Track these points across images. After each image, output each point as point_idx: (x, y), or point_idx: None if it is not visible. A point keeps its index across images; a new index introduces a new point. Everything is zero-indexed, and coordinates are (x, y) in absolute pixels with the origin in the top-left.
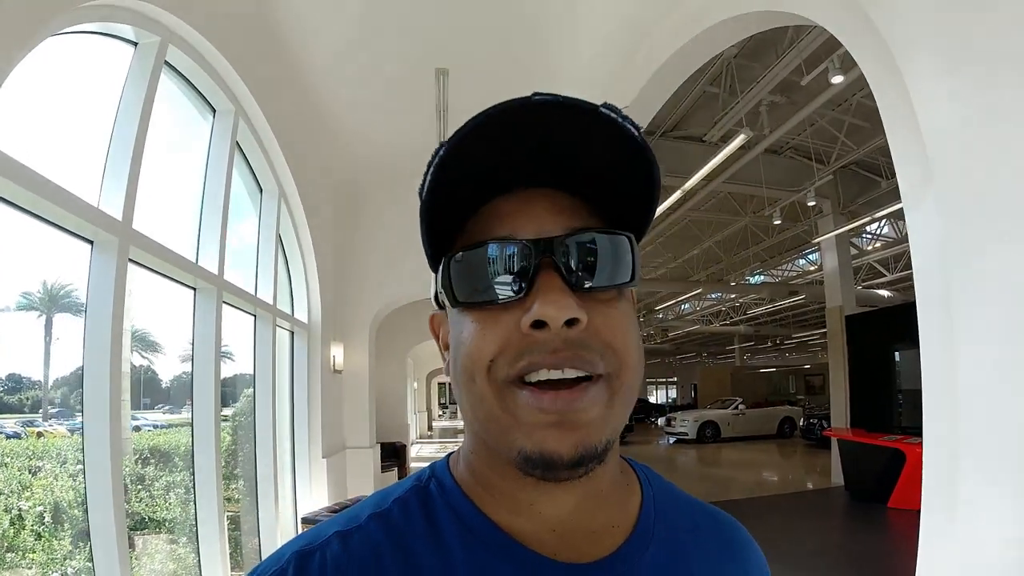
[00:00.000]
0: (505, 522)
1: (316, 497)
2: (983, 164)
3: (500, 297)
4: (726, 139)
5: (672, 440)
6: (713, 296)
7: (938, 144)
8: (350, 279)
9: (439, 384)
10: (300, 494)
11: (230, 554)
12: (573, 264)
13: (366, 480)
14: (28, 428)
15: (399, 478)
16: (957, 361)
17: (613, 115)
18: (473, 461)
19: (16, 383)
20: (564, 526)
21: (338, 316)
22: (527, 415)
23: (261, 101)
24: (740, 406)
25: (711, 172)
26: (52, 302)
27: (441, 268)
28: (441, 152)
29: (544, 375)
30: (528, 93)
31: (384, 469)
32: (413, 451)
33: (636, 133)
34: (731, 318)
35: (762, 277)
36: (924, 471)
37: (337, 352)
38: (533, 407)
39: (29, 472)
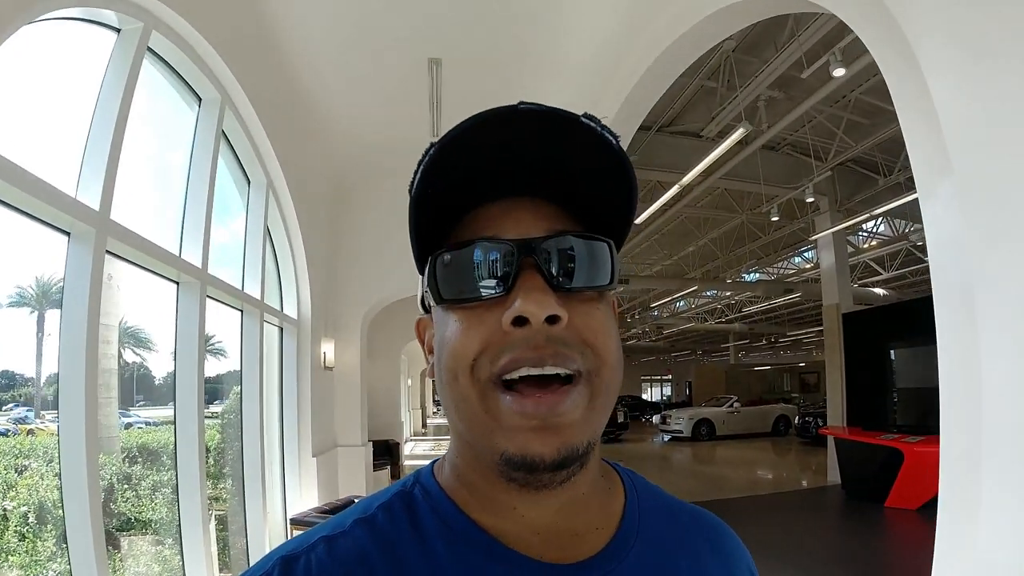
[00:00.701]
0: (489, 524)
1: (306, 497)
2: (1006, 152)
3: (483, 295)
4: (723, 134)
5: (667, 438)
6: (708, 294)
7: (957, 132)
8: (342, 274)
9: (434, 381)
10: (290, 494)
11: (218, 555)
12: (553, 266)
13: (358, 479)
14: (21, 425)
15: (392, 476)
16: (978, 358)
17: (593, 124)
18: (458, 464)
19: (10, 380)
20: (547, 529)
21: (329, 312)
22: (509, 419)
23: (248, 90)
24: (735, 404)
25: (708, 168)
26: (44, 297)
27: (427, 267)
28: (432, 152)
29: (525, 371)
30: (521, 86)
31: (376, 467)
32: (407, 449)
33: (614, 141)
34: (726, 316)
35: (757, 275)
36: (941, 473)
37: (328, 349)
38: (515, 411)
39: (15, 471)
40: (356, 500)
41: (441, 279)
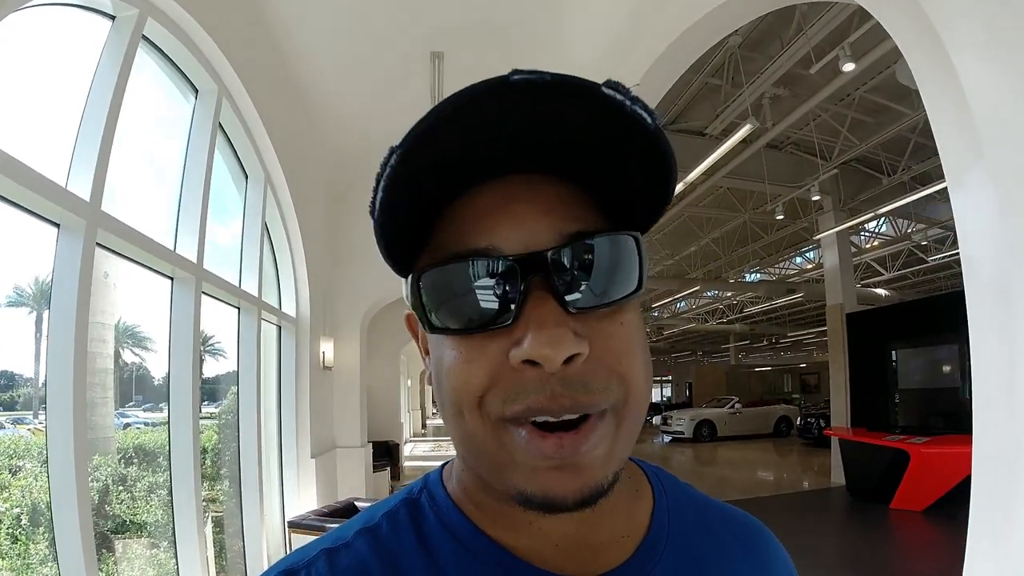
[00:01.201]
0: (503, 538)
1: (305, 498)
2: None
3: (483, 327)
4: (727, 132)
5: (668, 439)
6: (709, 294)
7: (989, 116)
8: (341, 272)
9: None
10: (288, 495)
11: (215, 558)
12: (569, 281)
13: (357, 481)
14: (19, 426)
15: (391, 477)
16: (1012, 355)
17: (620, 96)
18: (465, 479)
19: (8, 380)
20: (568, 540)
21: (328, 310)
22: (526, 457)
23: (246, 82)
24: (736, 405)
25: (711, 166)
26: (43, 298)
27: (409, 285)
28: (393, 162)
29: (542, 419)
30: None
31: (376, 469)
32: (406, 450)
33: (649, 120)
34: (727, 316)
35: (759, 275)
36: (974, 475)
37: (327, 348)
38: (533, 452)
39: (9, 472)
40: (356, 502)
41: (429, 303)
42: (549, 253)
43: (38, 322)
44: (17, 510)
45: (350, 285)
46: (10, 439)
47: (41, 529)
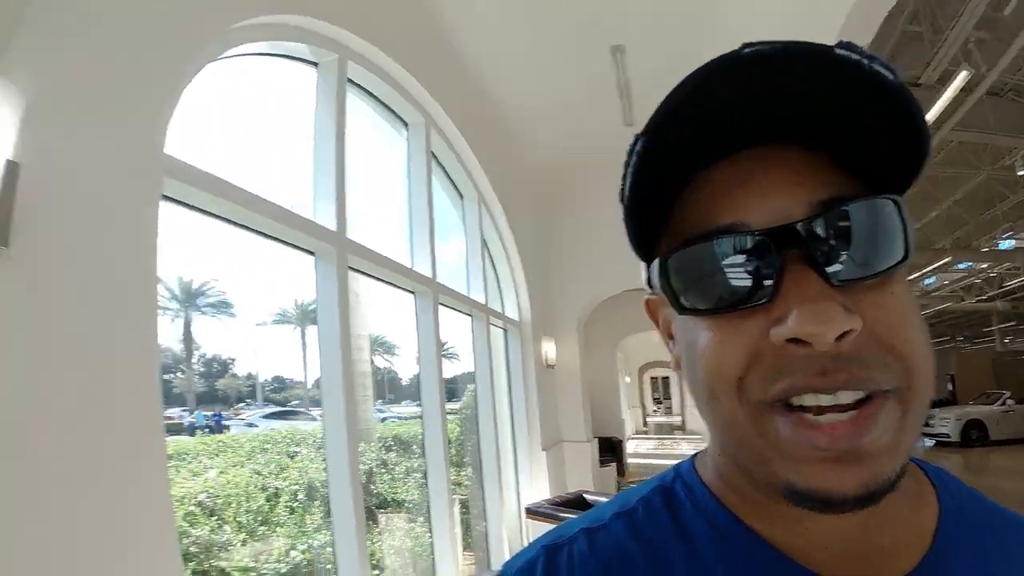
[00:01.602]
0: (765, 531)
1: (537, 487)
2: None
3: (737, 304)
4: (943, 81)
5: (931, 442)
6: (961, 266)
7: None
8: (555, 276)
9: (652, 379)
10: (522, 484)
11: (461, 536)
12: (827, 252)
13: (584, 474)
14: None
15: (618, 473)
16: None
17: (856, 56)
18: (723, 468)
19: (280, 384)
20: (841, 544)
21: (546, 312)
22: (795, 448)
23: (448, 109)
24: (1008, 401)
25: (936, 119)
26: (304, 316)
27: (656, 268)
28: (638, 147)
29: (811, 400)
30: (707, 58)
31: (602, 464)
32: (629, 447)
33: (891, 76)
34: (985, 293)
35: (1013, 242)
36: None
37: (549, 348)
38: (802, 444)
39: (288, 456)
40: (585, 495)
41: (677, 285)
42: (801, 224)
43: (302, 336)
44: (295, 487)
45: (564, 288)
46: (287, 430)
47: (316, 503)
